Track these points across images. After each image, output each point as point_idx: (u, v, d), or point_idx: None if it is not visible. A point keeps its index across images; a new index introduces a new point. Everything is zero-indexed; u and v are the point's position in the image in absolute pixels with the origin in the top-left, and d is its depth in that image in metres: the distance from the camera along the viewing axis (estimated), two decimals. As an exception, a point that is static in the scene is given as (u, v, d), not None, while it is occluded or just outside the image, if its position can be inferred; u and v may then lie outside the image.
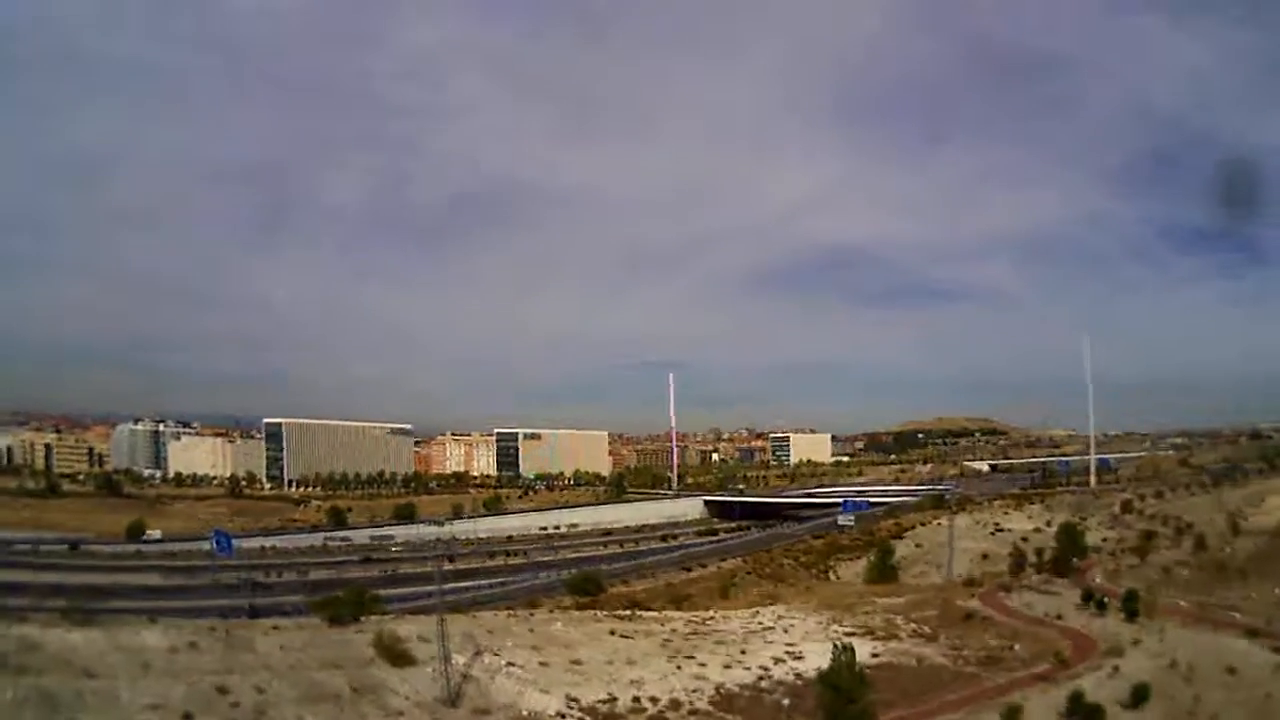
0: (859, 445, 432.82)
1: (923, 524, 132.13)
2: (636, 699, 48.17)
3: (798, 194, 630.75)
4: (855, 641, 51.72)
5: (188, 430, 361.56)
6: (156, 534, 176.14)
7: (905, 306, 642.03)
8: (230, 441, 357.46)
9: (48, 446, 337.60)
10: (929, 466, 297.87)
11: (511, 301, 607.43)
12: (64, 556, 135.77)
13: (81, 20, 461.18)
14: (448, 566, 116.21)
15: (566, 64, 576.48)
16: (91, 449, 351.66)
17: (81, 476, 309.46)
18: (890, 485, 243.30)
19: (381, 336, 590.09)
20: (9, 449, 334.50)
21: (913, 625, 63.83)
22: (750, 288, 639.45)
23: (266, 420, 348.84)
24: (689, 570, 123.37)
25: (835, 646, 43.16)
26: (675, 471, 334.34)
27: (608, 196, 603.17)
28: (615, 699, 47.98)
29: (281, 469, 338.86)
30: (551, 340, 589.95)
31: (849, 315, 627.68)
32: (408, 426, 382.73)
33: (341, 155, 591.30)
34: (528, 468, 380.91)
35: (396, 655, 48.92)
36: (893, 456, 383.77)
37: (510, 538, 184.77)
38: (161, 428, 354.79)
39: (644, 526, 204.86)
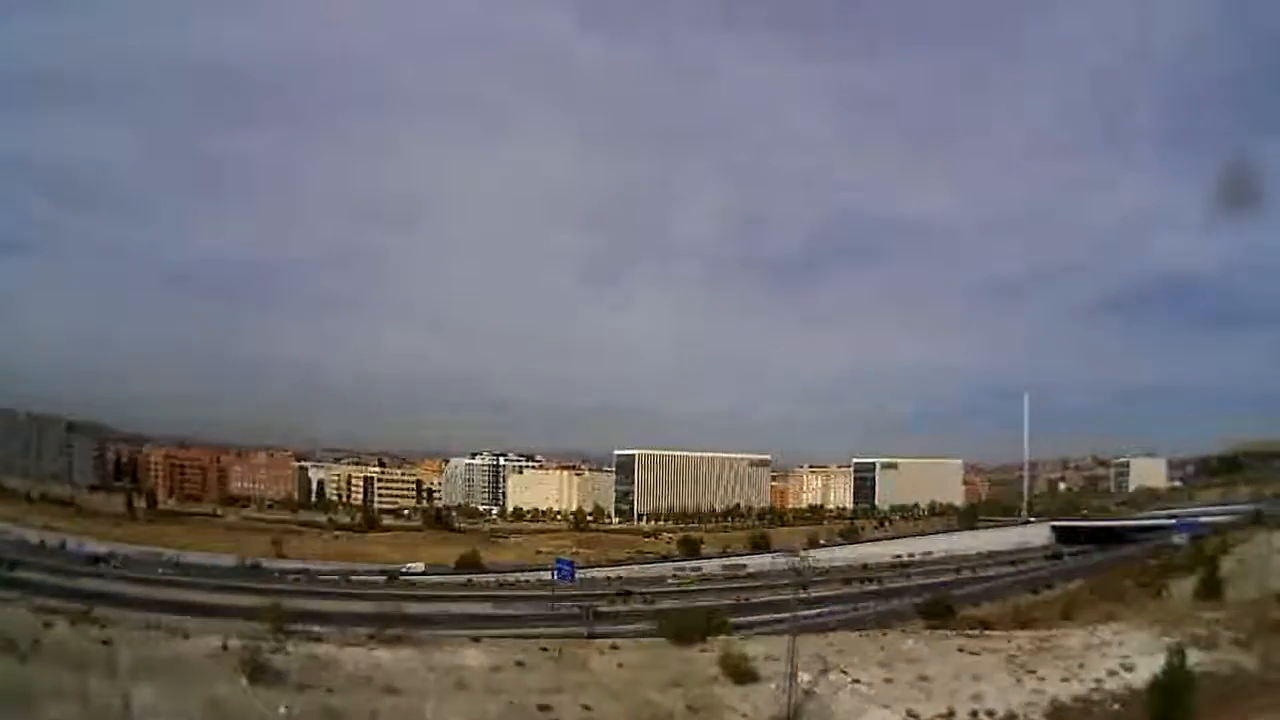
0: (1189, 469, 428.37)
1: (1244, 541, 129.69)
2: (974, 712, 50.54)
3: (1131, 218, 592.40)
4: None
5: (530, 464, 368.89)
6: (419, 566, 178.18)
7: (1232, 329, 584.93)
8: (577, 474, 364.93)
9: (367, 480, 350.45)
10: (1249, 487, 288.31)
11: (862, 333, 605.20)
12: (379, 587, 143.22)
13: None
14: (801, 594, 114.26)
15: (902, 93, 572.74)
16: (419, 482, 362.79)
17: (406, 511, 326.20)
18: (1213, 505, 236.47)
19: (733, 371, 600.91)
20: (320, 483, 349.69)
21: (1230, 635, 64.10)
22: (1090, 314, 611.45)
23: (617, 452, 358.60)
24: (1035, 593, 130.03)
25: (1169, 650, 47.46)
26: (1026, 499, 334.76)
27: (950, 227, 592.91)
28: (954, 713, 50.33)
29: (631, 502, 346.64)
30: (903, 370, 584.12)
31: (1175, 339, 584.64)
32: (766, 458, 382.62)
33: (691, 191, 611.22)
34: (884, 498, 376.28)
35: (742, 673, 49.97)
36: (1218, 478, 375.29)
37: (865, 566, 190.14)
38: (502, 461, 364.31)
39: (994, 553, 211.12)
